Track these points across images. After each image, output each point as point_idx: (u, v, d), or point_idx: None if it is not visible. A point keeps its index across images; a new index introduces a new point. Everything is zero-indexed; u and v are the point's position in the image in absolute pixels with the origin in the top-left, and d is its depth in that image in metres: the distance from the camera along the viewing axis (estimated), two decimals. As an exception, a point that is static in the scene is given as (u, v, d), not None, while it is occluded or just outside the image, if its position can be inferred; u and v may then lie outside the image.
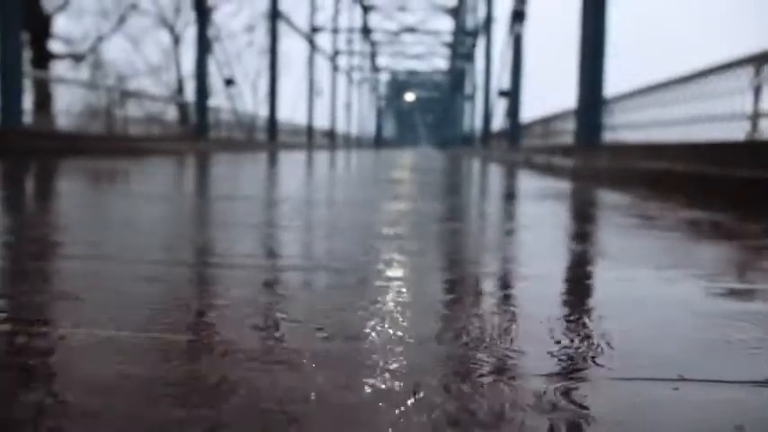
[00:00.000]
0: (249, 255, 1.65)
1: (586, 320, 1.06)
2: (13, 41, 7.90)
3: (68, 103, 10.38)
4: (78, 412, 0.66)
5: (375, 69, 47.09)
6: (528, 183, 5.77)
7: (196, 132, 14.02)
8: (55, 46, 18.81)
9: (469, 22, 26.16)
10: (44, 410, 0.66)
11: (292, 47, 28.31)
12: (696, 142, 4.59)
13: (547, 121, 11.55)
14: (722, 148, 4.07)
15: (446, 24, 35.30)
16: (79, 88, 11.11)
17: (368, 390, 0.74)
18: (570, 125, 8.41)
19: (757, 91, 4.50)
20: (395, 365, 0.82)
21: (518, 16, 12.74)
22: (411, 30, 35.19)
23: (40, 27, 17.24)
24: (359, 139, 40.23)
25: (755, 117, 4.50)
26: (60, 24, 26.50)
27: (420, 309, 1.13)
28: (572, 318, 1.08)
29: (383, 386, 0.75)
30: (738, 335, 1.00)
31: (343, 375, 0.78)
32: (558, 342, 0.93)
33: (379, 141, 50.33)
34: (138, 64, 25.44)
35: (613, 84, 7.13)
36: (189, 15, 21.18)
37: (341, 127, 33.28)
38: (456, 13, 31.65)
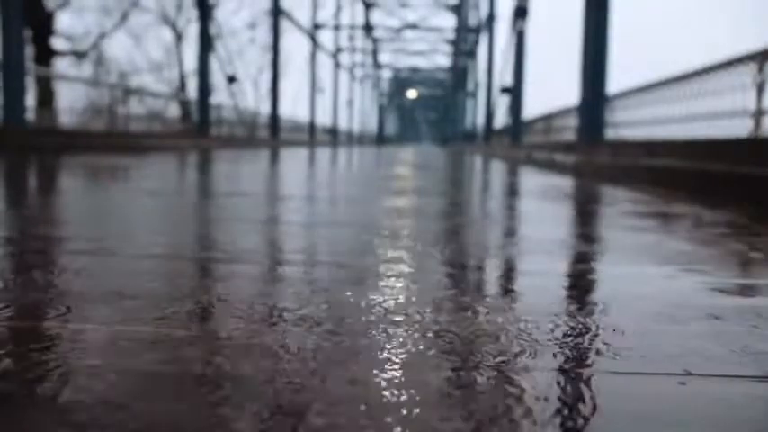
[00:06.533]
0: (253, 250, 1.65)
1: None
2: (16, 38, 7.91)
3: (71, 101, 10.40)
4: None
5: (377, 66, 47.06)
6: (530, 179, 5.76)
7: (198, 129, 14.03)
8: (57, 43, 18.82)
9: (472, 19, 26.16)
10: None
11: (294, 44, 28.36)
12: (698, 139, 4.58)
13: (549, 118, 11.53)
14: (725, 145, 4.06)
15: (448, 21, 35.34)
16: (81, 85, 11.11)
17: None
18: (572, 122, 8.40)
19: (760, 88, 4.48)
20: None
21: (520, 13, 12.72)
22: (413, 27, 35.19)
23: (43, 24, 17.24)
24: (361, 137, 40.24)
25: (758, 114, 4.48)
26: (62, 21, 26.54)
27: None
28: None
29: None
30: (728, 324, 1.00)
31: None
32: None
33: (381, 138, 50.32)
34: (141, 61, 25.48)
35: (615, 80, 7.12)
36: (191, 12, 21.20)
37: (343, 124, 33.32)
38: (458, 9, 31.63)
